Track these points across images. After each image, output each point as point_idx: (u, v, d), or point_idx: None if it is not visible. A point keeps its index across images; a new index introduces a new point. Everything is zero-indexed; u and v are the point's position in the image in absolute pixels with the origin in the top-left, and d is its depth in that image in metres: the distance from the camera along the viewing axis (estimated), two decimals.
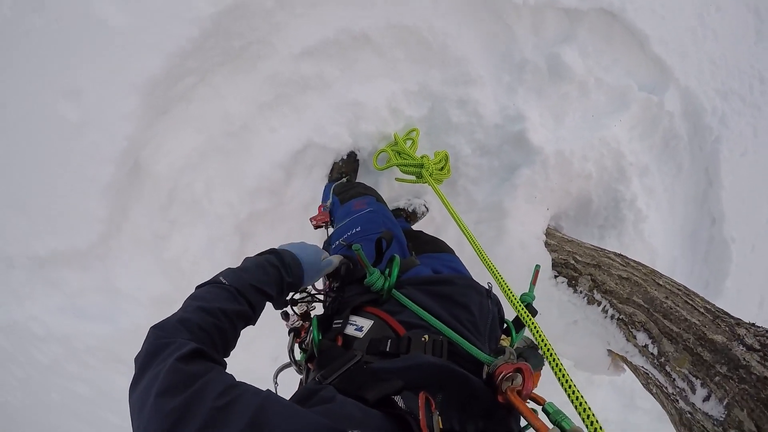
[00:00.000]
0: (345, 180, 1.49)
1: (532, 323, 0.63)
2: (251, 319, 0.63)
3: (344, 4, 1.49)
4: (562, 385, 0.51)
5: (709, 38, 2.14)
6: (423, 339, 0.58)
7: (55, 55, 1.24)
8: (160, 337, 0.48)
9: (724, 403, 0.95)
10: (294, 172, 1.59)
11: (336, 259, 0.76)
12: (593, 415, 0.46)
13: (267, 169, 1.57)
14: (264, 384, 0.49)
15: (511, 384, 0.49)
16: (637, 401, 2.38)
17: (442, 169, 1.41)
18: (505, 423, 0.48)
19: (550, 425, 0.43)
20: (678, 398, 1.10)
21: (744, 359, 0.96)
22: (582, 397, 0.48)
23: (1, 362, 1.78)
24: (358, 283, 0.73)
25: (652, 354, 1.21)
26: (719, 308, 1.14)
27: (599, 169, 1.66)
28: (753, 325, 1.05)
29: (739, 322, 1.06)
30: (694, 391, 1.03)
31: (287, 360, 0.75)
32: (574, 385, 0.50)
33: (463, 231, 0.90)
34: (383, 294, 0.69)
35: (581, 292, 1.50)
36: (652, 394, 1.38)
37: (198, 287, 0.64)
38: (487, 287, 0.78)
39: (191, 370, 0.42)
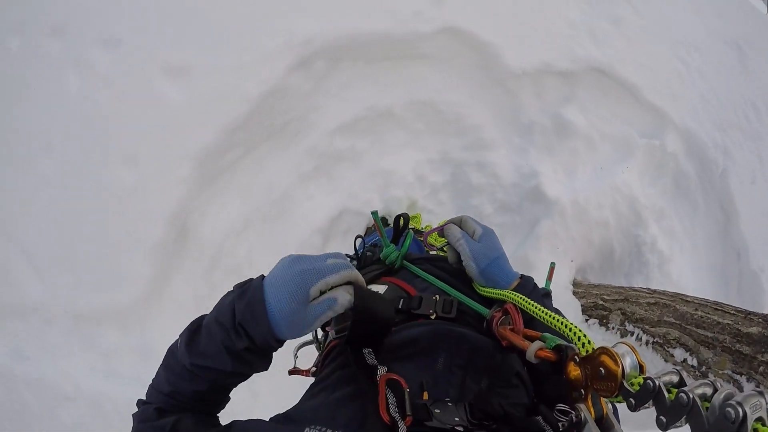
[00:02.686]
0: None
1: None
2: (225, 392, 0.51)
3: (371, 84, 1.72)
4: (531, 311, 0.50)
5: (696, 78, 2.32)
6: (434, 298, 0.60)
7: (118, 126, 1.38)
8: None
9: None
10: (330, 236, 1.73)
11: (343, 296, 0.45)
12: (572, 325, 0.43)
13: (306, 234, 1.70)
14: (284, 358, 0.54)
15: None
16: None
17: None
18: (510, 368, 0.49)
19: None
20: None
21: None
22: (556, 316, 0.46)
23: (25, 420, 1.75)
24: (375, 262, 0.77)
25: (692, 366, 1.20)
26: (749, 310, 1.16)
27: (616, 216, 1.75)
28: None
29: None
30: (741, 389, 1.02)
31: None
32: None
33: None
34: (396, 263, 0.72)
35: (613, 327, 1.52)
36: None
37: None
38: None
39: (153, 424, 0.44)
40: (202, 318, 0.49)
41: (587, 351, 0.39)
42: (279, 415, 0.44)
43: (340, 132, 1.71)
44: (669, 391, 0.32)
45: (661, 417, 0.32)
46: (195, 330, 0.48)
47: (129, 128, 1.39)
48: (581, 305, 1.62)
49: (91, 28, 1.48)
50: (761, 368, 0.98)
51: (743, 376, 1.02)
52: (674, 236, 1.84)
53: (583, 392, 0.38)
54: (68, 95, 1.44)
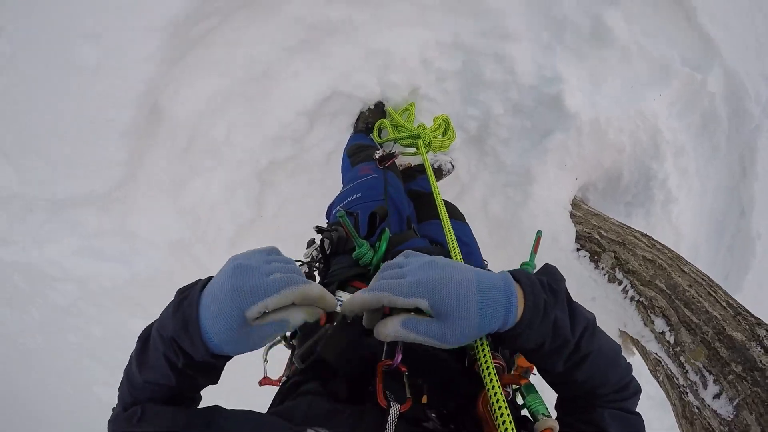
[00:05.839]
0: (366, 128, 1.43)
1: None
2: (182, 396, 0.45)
3: None
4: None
5: (759, 19, 2.02)
6: None
7: None
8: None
9: (734, 403, 0.93)
10: (318, 120, 1.53)
11: (295, 317, 0.40)
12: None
13: (290, 116, 1.52)
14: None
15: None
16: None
17: (444, 133, 1.32)
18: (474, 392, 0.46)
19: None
20: (688, 391, 1.08)
21: (761, 362, 0.93)
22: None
23: (20, 304, 1.80)
24: (347, 254, 0.68)
25: (668, 342, 1.18)
26: (741, 305, 1.11)
27: (633, 143, 1.58)
28: None
29: (760, 323, 1.03)
30: (705, 386, 1.01)
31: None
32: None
33: (439, 206, 0.81)
34: (371, 268, 0.64)
35: (603, 269, 1.45)
36: (658, 382, 1.35)
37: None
38: (484, 263, 0.77)
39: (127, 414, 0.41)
40: (152, 325, 0.44)
41: None
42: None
43: None
44: None
45: None
46: (145, 340, 0.43)
47: None
48: (576, 232, 1.52)
49: None
50: (730, 377, 0.96)
51: (711, 376, 1.01)
52: (686, 176, 1.71)
53: None
54: None
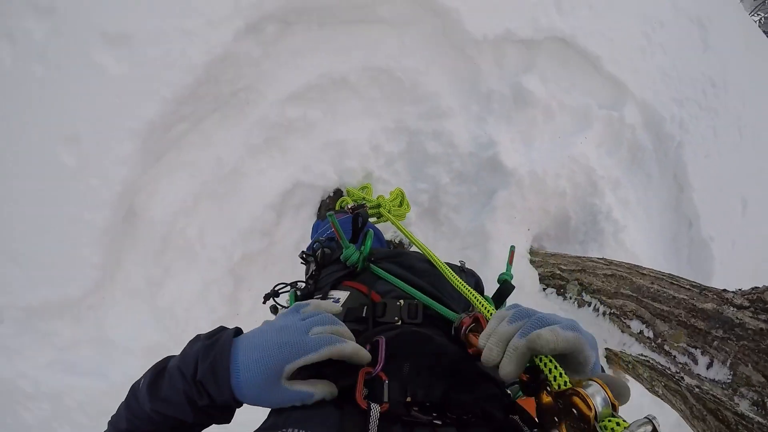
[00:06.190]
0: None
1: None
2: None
3: (324, 50, 1.63)
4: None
5: (657, 53, 2.33)
6: (398, 303, 0.59)
7: (55, 102, 1.28)
8: None
9: (728, 364, 0.94)
10: (284, 212, 1.66)
11: (320, 392, 0.42)
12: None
13: (258, 210, 1.63)
14: None
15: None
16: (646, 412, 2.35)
17: (400, 205, 1.45)
18: (474, 370, 0.48)
19: None
20: (683, 374, 1.09)
21: (737, 318, 0.95)
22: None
23: None
24: (336, 262, 0.75)
25: (648, 338, 1.21)
26: (703, 284, 1.16)
27: (573, 186, 1.76)
28: (739, 289, 1.06)
29: (725, 290, 1.08)
30: (696, 361, 1.03)
31: None
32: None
33: (421, 249, 0.85)
34: (358, 266, 0.71)
35: (571, 297, 1.53)
36: (659, 396, 1.34)
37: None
38: (459, 264, 0.81)
39: None
40: (167, 360, 0.47)
41: (558, 386, 0.37)
42: None
43: (291, 101, 1.62)
44: None
45: None
46: (158, 373, 0.46)
47: (68, 104, 1.28)
48: (539, 274, 1.63)
49: None
50: (715, 343, 0.99)
51: (698, 350, 1.04)
52: (629, 206, 1.88)
53: (556, 420, 0.37)
54: (2, 69, 1.29)
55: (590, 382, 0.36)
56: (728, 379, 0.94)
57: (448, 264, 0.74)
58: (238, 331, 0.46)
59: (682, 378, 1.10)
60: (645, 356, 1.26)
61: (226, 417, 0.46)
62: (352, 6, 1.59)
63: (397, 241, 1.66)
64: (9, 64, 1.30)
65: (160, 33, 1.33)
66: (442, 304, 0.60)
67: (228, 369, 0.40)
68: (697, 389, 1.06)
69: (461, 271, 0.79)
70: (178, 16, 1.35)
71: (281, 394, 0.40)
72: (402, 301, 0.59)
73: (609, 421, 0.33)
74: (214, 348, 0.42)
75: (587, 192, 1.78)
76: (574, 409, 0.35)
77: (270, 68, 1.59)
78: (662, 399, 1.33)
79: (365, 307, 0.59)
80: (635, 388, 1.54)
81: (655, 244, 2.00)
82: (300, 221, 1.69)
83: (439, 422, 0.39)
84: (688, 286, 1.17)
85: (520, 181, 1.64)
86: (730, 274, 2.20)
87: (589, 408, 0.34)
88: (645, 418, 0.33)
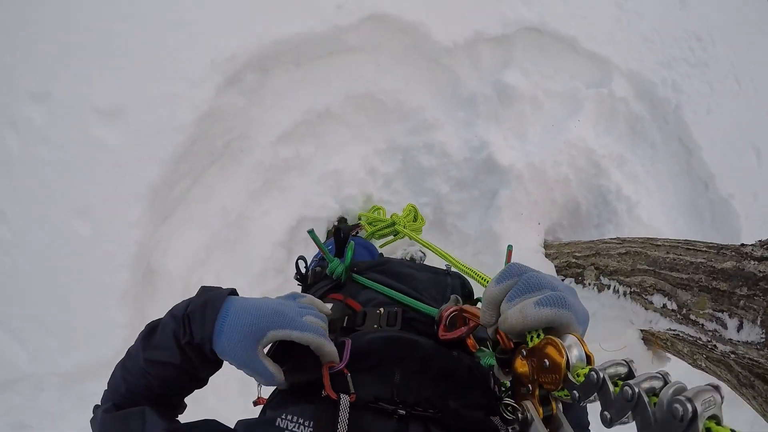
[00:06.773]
0: None
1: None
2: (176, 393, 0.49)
3: (305, 87, 1.68)
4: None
5: (633, 20, 2.30)
6: (378, 312, 0.60)
7: (62, 178, 1.36)
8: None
9: (758, 322, 0.88)
10: (293, 248, 1.69)
11: (278, 378, 0.44)
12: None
13: (268, 250, 1.67)
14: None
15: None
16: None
17: (414, 220, 1.47)
18: (463, 368, 0.49)
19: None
20: (715, 342, 1.03)
21: (759, 271, 0.90)
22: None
23: None
24: (324, 278, 0.78)
25: (672, 311, 1.15)
26: (719, 243, 1.11)
27: (575, 171, 1.73)
28: (758, 241, 1.00)
29: (743, 244, 1.02)
30: (725, 326, 0.97)
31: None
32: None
33: (439, 254, 0.88)
34: (342, 277, 0.73)
35: (590, 283, 1.49)
36: (703, 369, 1.29)
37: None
38: (445, 268, 0.83)
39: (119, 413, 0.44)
40: (161, 319, 0.49)
41: (532, 338, 0.37)
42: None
43: (282, 141, 1.67)
44: (615, 384, 0.29)
45: (606, 412, 0.29)
46: (153, 328, 0.49)
47: (74, 180, 1.37)
48: (555, 266, 1.60)
49: (17, 84, 1.42)
50: (741, 302, 0.93)
51: (725, 313, 0.97)
52: (638, 179, 1.83)
53: (530, 387, 0.37)
54: (11, 157, 1.39)
55: (567, 335, 0.35)
56: (762, 338, 0.88)
57: (434, 268, 0.80)
58: (233, 292, 0.49)
59: (715, 346, 1.04)
60: (673, 330, 1.20)
61: (207, 366, 0.46)
62: (321, 41, 1.65)
63: (408, 258, 1.66)
64: (18, 151, 1.39)
65: (149, 100, 1.41)
66: (418, 300, 0.63)
67: (218, 310, 0.43)
68: (732, 355, 1.00)
69: (446, 274, 0.81)
70: (162, 82, 1.43)
71: (251, 357, 0.42)
72: (382, 309, 0.61)
73: (582, 369, 0.32)
74: (212, 290, 0.47)
75: (591, 174, 1.75)
76: (546, 359, 0.34)
77: (256, 114, 1.65)
78: (707, 372, 1.27)
79: (346, 318, 0.61)
80: (678, 365, 1.46)
81: (673, 214, 1.92)
82: (310, 254, 1.70)
83: (402, 412, 0.41)
84: (704, 249, 1.12)
85: (519, 177, 1.62)
86: (760, 227, 2.10)
87: (561, 354, 0.33)
88: (622, 359, 0.32)
